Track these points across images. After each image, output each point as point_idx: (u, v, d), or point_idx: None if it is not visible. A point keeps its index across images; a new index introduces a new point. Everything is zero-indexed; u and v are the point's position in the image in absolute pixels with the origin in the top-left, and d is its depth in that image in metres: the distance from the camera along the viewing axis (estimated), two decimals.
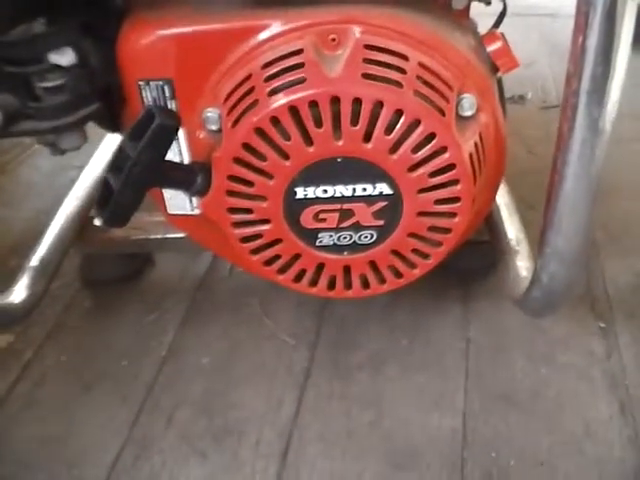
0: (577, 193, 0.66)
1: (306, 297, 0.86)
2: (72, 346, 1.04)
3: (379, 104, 0.65)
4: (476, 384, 0.95)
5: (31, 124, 0.74)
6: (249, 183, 0.70)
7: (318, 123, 0.66)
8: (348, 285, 0.79)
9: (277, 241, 0.75)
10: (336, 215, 0.73)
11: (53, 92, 0.72)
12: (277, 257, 0.77)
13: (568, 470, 0.83)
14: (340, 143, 0.67)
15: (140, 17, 0.75)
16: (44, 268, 1.00)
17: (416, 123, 0.66)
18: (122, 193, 0.65)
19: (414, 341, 1.02)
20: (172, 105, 0.76)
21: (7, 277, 0.97)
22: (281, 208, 0.72)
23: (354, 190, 0.71)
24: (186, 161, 0.80)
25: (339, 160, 0.68)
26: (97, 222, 1.08)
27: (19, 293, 0.95)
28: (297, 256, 0.77)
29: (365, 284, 0.79)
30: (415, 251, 0.76)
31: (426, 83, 0.68)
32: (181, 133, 0.77)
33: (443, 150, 0.67)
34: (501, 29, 0.84)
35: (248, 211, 0.73)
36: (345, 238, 0.75)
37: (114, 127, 0.82)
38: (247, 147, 0.68)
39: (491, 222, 0.98)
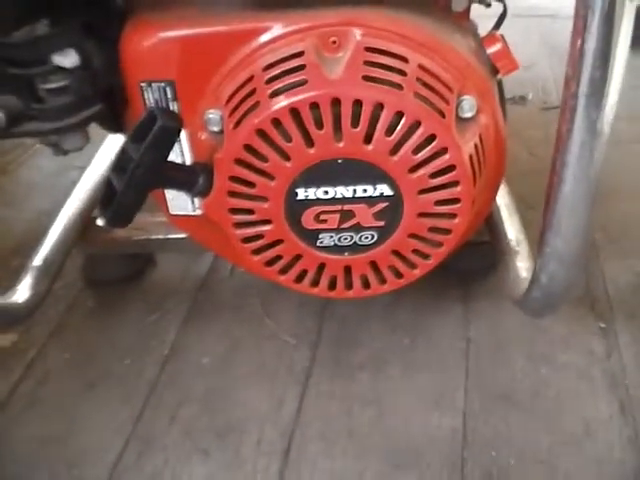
0: (576, 194, 0.67)
1: (307, 297, 0.86)
2: (75, 345, 1.04)
3: (379, 106, 0.66)
4: (476, 384, 0.95)
5: (34, 125, 0.74)
6: (250, 184, 0.71)
7: (319, 125, 0.67)
8: (349, 285, 0.80)
9: (278, 242, 0.76)
10: (337, 216, 0.73)
11: (56, 93, 0.73)
12: (278, 257, 0.77)
13: (568, 469, 0.83)
14: (341, 144, 0.68)
15: (142, 19, 0.76)
16: (47, 268, 1.00)
17: (416, 125, 0.67)
18: (125, 194, 0.66)
19: (415, 341, 1.02)
20: (174, 107, 0.77)
21: (10, 277, 0.98)
22: (282, 209, 0.73)
23: (355, 191, 0.71)
24: (188, 162, 0.81)
25: (340, 161, 0.69)
26: (100, 222, 1.09)
27: (22, 293, 0.96)
28: (298, 257, 0.77)
29: (366, 284, 0.80)
30: (415, 252, 0.76)
31: (426, 85, 0.68)
32: (183, 134, 0.78)
33: (443, 151, 0.68)
34: (501, 30, 0.84)
35: (249, 212, 0.73)
36: (346, 239, 0.75)
37: (116, 128, 0.83)
38: (248, 148, 0.69)
39: (491, 223, 0.98)
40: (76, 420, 0.92)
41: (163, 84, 0.75)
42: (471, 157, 0.70)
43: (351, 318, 1.07)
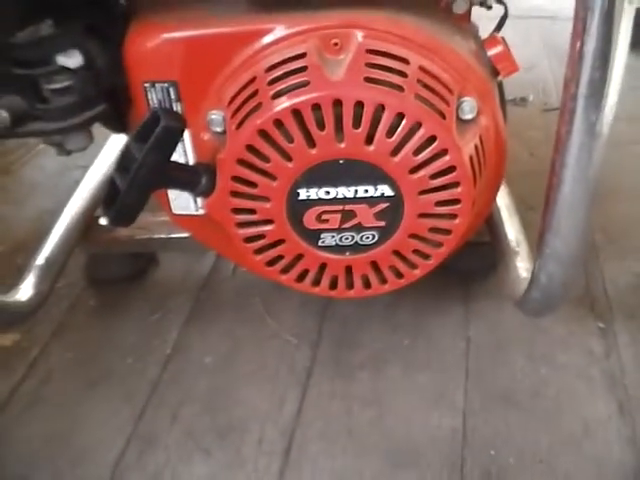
0: (575, 195, 0.67)
1: (308, 297, 0.87)
2: (77, 344, 1.05)
3: (381, 107, 0.66)
4: (476, 383, 0.95)
5: (38, 125, 0.75)
6: (253, 184, 0.71)
7: (321, 126, 0.67)
8: (350, 285, 0.80)
9: (280, 241, 0.76)
10: (338, 216, 0.74)
11: (60, 94, 0.73)
12: (280, 257, 0.78)
13: (567, 469, 0.84)
14: (342, 145, 0.68)
15: (146, 20, 0.76)
16: (50, 267, 1.01)
17: (417, 126, 0.67)
18: (128, 193, 0.66)
19: (415, 341, 1.03)
20: (177, 107, 0.77)
21: (13, 276, 0.98)
22: (284, 209, 0.73)
23: (356, 192, 0.72)
24: (191, 162, 0.81)
25: (341, 162, 0.69)
26: (103, 221, 1.10)
27: (25, 292, 0.96)
28: (300, 256, 0.78)
29: (367, 284, 0.80)
30: (416, 252, 0.77)
31: (427, 87, 0.69)
32: (186, 135, 0.78)
33: (444, 153, 0.68)
34: (502, 32, 0.85)
35: (251, 212, 0.74)
36: (347, 239, 0.76)
37: (120, 128, 0.83)
38: (251, 149, 0.69)
39: (491, 223, 0.98)
40: (78, 419, 0.93)
41: (166, 85, 0.76)
42: (471, 158, 0.70)
43: (352, 318, 1.07)
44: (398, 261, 0.77)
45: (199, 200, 0.84)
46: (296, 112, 0.67)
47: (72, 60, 0.73)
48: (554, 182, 0.68)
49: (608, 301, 1.07)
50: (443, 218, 0.73)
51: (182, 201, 0.86)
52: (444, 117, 0.68)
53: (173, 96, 0.76)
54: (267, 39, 0.72)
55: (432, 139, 0.68)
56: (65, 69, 0.73)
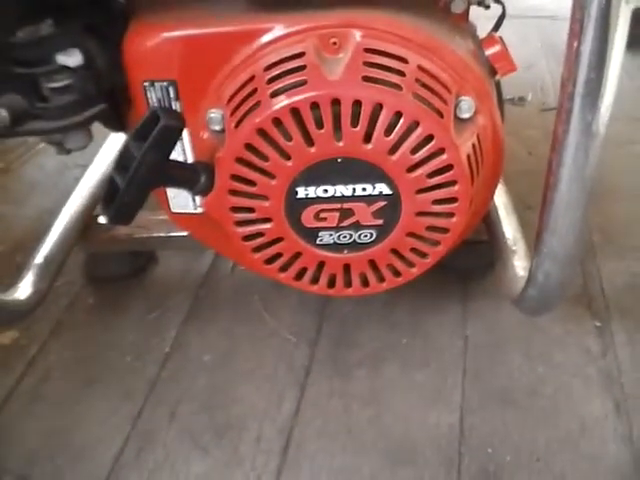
0: (572, 195, 0.67)
1: (307, 295, 0.87)
2: (76, 342, 1.05)
3: (379, 106, 0.67)
4: (474, 382, 0.96)
5: (38, 124, 0.75)
6: (251, 183, 0.72)
7: (319, 124, 0.68)
8: (348, 283, 0.81)
9: (278, 240, 0.76)
10: (336, 214, 0.74)
11: (60, 92, 0.74)
12: (278, 255, 0.78)
13: (563, 467, 0.84)
14: (340, 144, 0.68)
15: (145, 19, 0.77)
16: (48, 265, 1.01)
17: (415, 125, 0.68)
18: (127, 192, 0.66)
19: (413, 339, 1.03)
20: (176, 106, 0.77)
21: (12, 274, 0.99)
22: (282, 207, 0.73)
23: (354, 190, 0.72)
24: (190, 161, 0.82)
25: (339, 160, 0.70)
26: (102, 220, 1.10)
27: (24, 290, 0.96)
28: (298, 254, 0.78)
29: (365, 282, 0.81)
30: (414, 250, 0.77)
31: (425, 86, 0.69)
32: (185, 133, 0.78)
33: (441, 151, 0.69)
34: (501, 31, 0.85)
35: (250, 210, 0.74)
36: (345, 237, 0.76)
37: (119, 127, 0.83)
38: (250, 147, 0.70)
39: (489, 222, 0.99)
40: (77, 417, 0.93)
41: (166, 84, 0.76)
42: (469, 157, 0.71)
43: (350, 316, 1.08)
44: (396, 259, 0.78)
45: (198, 199, 0.85)
46: (295, 111, 0.67)
47: (72, 59, 0.73)
48: (551, 181, 0.68)
49: (605, 300, 1.08)
50: (440, 216, 0.73)
51: (181, 200, 0.86)
52: (442, 116, 0.69)
53: (172, 95, 0.77)
54: (266, 38, 0.72)
55: (430, 138, 0.68)
56: (65, 68, 0.73)
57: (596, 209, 1.20)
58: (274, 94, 0.68)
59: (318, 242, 0.76)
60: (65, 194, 1.15)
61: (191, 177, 0.73)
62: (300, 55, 0.70)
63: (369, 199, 0.72)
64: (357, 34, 0.70)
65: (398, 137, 0.68)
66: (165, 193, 0.86)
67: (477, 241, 1.01)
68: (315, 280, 0.80)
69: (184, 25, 0.75)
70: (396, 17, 0.73)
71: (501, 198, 1.01)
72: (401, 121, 0.67)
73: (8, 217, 1.34)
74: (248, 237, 0.76)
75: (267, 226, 0.75)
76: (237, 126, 0.70)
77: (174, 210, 0.88)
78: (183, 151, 0.81)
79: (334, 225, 0.75)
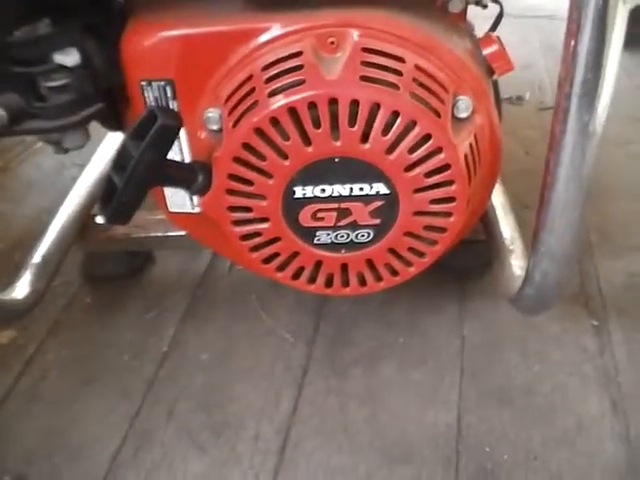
0: (569, 194, 0.67)
1: (304, 294, 0.87)
2: (74, 342, 1.05)
3: (376, 106, 0.67)
4: (471, 381, 0.96)
5: (36, 123, 0.75)
6: (249, 182, 0.72)
7: (316, 124, 0.68)
8: (345, 283, 0.81)
9: (276, 239, 0.76)
10: (334, 214, 0.74)
11: (58, 92, 0.74)
12: (276, 255, 0.78)
13: (560, 465, 0.84)
14: (338, 143, 0.68)
15: (143, 18, 0.77)
16: (46, 265, 1.01)
17: (412, 124, 0.68)
18: (125, 191, 0.66)
19: (410, 338, 1.03)
20: (173, 105, 0.77)
21: (9, 274, 0.99)
22: (280, 207, 0.73)
23: (351, 190, 0.72)
24: (187, 160, 0.82)
25: (337, 160, 0.70)
26: (100, 219, 1.10)
27: (21, 289, 0.96)
28: (295, 254, 0.78)
29: (362, 282, 0.81)
30: (411, 250, 0.77)
31: (422, 85, 0.69)
32: (182, 133, 0.78)
33: (439, 151, 0.69)
34: (499, 30, 0.85)
35: (247, 209, 0.74)
36: (342, 236, 0.76)
37: (117, 126, 0.84)
38: (247, 147, 0.70)
39: (486, 221, 0.99)
40: (75, 416, 0.93)
41: (163, 83, 0.76)
42: (466, 156, 0.71)
43: (347, 315, 1.08)
44: (393, 259, 0.78)
45: (195, 198, 0.85)
46: (292, 110, 0.67)
47: (69, 58, 0.73)
48: (548, 181, 0.68)
49: (602, 299, 1.08)
50: (438, 216, 0.73)
51: (178, 199, 0.86)
52: (439, 115, 0.69)
53: (169, 94, 0.77)
54: (263, 37, 0.72)
55: (427, 137, 0.68)
56: (62, 67, 0.73)
57: (593, 209, 1.20)
58: (272, 94, 0.68)
59: (315, 242, 0.76)
60: (62, 193, 1.15)
61: (189, 176, 0.73)
62: (298, 54, 0.70)
63: (366, 199, 0.73)
64: (355, 33, 0.70)
65: (395, 137, 0.68)
66: (162, 192, 0.86)
67: (474, 240, 1.01)
68: (312, 279, 0.81)
69: (181, 24, 0.75)
70: (394, 16, 0.73)
71: (498, 197, 1.01)
72: (398, 121, 0.67)
73: (6, 216, 1.34)
74: (245, 236, 0.76)
75: (264, 226, 0.75)
76: (234, 125, 0.70)
77: (172, 209, 0.88)
78: (180, 151, 0.81)
79: (331, 225, 0.75)
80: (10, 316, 0.98)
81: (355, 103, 0.67)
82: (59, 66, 0.73)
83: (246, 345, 1.03)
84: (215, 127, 0.74)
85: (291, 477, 0.85)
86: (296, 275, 0.80)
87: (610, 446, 0.86)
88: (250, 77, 0.71)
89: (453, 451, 0.87)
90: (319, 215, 0.74)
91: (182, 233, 1.00)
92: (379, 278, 0.80)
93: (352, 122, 0.67)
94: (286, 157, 0.70)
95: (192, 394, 0.96)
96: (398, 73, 0.69)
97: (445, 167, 0.70)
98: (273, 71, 0.70)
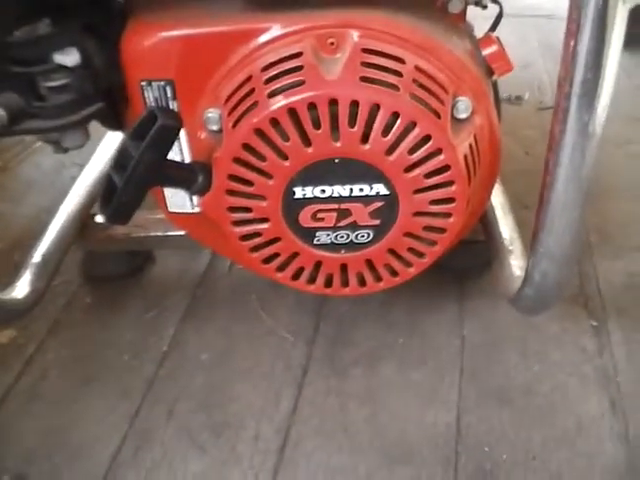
0: (568, 194, 0.67)
1: (304, 294, 0.87)
2: (74, 341, 1.05)
3: (376, 106, 0.67)
4: (470, 381, 0.96)
5: (36, 123, 0.75)
6: (249, 183, 0.72)
7: (316, 125, 0.68)
8: (345, 283, 0.81)
9: (276, 239, 0.77)
10: (334, 214, 0.74)
11: (58, 91, 0.74)
12: (276, 255, 0.78)
13: (559, 465, 0.85)
14: (338, 144, 0.68)
15: (143, 19, 0.77)
16: (46, 264, 1.01)
17: (412, 125, 0.68)
18: (125, 191, 0.67)
19: (410, 339, 1.03)
20: (173, 105, 0.77)
21: (10, 273, 0.99)
22: (280, 207, 0.73)
23: (351, 190, 0.72)
24: (187, 160, 0.82)
25: (337, 161, 0.70)
26: (100, 219, 1.10)
27: (21, 289, 0.96)
28: (295, 254, 0.78)
29: (362, 282, 0.81)
30: (411, 250, 0.77)
31: (422, 86, 0.69)
32: (182, 133, 0.78)
33: (438, 152, 0.69)
34: (498, 30, 0.85)
35: (247, 210, 0.74)
36: (342, 237, 0.76)
37: (117, 126, 0.84)
38: (247, 147, 0.70)
39: (486, 222, 0.99)
40: (75, 415, 0.93)
41: (163, 83, 0.76)
42: (466, 157, 0.71)
43: (347, 316, 1.08)
44: (393, 259, 0.78)
45: (195, 198, 0.85)
46: (292, 111, 0.67)
47: (69, 58, 0.73)
48: (547, 181, 0.68)
49: (601, 300, 1.08)
50: (438, 217, 0.74)
51: (178, 199, 0.86)
52: (439, 116, 0.69)
53: (170, 94, 0.77)
54: (263, 38, 0.72)
55: (427, 138, 0.68)
56: (62, 67, 0.73)
57: (593, 209, 1.20)
58: (272, 94, 0.68)
59: (315, 242, 0.77)
60: (62, 193, 1.15)
61: (188, 177, 0.73)
62: (297, 55, 0.70)
63: (366, 199, 0.73)
64: (354, 34, 0.70)
65: (395, 137, 0.68)
66: (162, 192, 0.86)
67: (474, 241, 1.01)
68: (312, 280, 0.81)
69: (182, 25, 0.75)
70: (393, 17, 0.73)
71: (498, 198, 1.01)
72: (398, 121, 0.67)
73: (5, 215, 1.34)
74: (245, 237, 0.77)
75: (264, 226, 0.75)
76: (234, 126, 0.70)
77: (171, 209, 0.88)
78: (180, 151, 0.81)
79: (331, 225, 0.75)
80: (10, 316, 0.98)
81: (355, 104, 0.67)
82: (59, 66, 0.73)
83: (246, 345, 1.03)
84: (215, 127, 0.74)
85: (291, 477, 0.85)
86: (296, 275, 0.80)
87: (609, 446, 0.86)
88: (250, 78, 0.71)
89: (452, 451, 0.87)
90: (319, 216, 0.74)
91: (182, 233, 1.00)
92: (379, 278, 0.80)
93: (352, 123, 0.67)
94: (286, 158, 0.70)
95: (192, 394, 0.96)
96: (398, 74, 0.69)
97: (445, 168, 0.70)
98: (273, 72, 0.70)
